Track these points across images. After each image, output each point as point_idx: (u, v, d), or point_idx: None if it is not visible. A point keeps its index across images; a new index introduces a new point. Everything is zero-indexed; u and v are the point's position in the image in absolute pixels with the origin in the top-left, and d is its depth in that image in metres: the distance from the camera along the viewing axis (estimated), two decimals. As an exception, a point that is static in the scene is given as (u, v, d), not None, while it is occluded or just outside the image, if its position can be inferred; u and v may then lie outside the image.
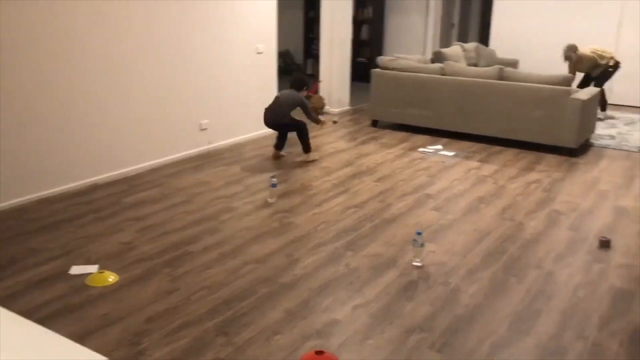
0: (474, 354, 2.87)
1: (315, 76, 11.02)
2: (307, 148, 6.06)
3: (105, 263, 3.74)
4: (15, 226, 4.25)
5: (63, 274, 3.59)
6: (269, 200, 4.85)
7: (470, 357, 2.84)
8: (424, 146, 6.68)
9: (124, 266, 3.70)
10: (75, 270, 3.65)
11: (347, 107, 8.69)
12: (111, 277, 3.55)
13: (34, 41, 4.50)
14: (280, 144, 6.18)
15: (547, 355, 2.86)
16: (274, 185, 4.89)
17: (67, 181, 4.95)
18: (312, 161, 6.03)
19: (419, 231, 3.81)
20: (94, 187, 5.09)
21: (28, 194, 4.67)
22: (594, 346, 2.94)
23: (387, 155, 6.32)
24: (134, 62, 5.32)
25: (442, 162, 6.09)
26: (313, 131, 7.38)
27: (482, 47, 8.92)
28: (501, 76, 6.64)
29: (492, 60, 8.89)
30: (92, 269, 3.66)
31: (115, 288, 3.44)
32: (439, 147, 6.65)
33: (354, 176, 5.58)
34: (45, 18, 4.54)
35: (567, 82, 6.31)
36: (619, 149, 6.71)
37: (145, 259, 3.79)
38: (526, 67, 9.66)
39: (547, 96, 6.31)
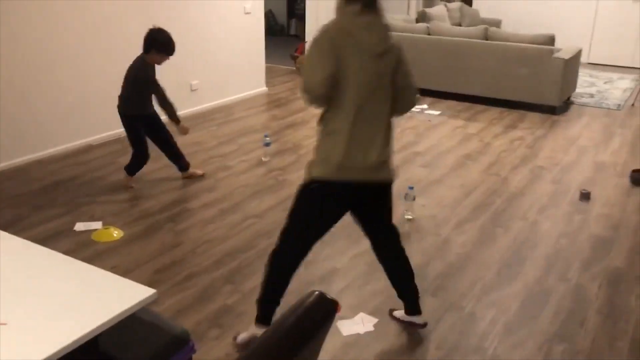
0: (465, 296, 3.08)
1: (299, 37, 11.04)
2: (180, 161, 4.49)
3: (108, 220, 3.86)
4: (17, 186, 4.33)
5: (68, 231, 3.71)
6: (263, 159, 4.98)
7: (462, 299, 3.06)
8: (410, 105, 6.81)
9: (127, 222, 3.83)
10: (80, 226, 3.77)
11: (333, 68, 8.75)
12: (116, 233, 3.68)
13: (29, 4, 4.50)
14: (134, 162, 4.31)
15: (533, 296, 3.09)
16: (267, 144, 5.01)
17: (63, 142, 5.02)
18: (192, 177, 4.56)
19: (411, 186, 3.98)
20: (89, 148, 5.16)
21: (26, 154, 4.74)
22: (576, 287, 3.18)
23: (374, 114, 6.45)
24: (124, 22, 5.33)
25: (429, 120, 6.25)
26: (298, 92, 7.46)
27: (465, 7, 9.00)
28: (486, 36, 6.76)
29: (476, 20, 8.99)
30: (97, 225, 3.78)
31: (120, 243, 3.58)
32: (425, 106, 6.80)
33: (343, 135, 5.70)
34: (36, -22, 4.53)
35: (550, 41, 6.46)
36: (598, 107, 6.93)
37: (147, 216, 3.92)
38: (509, 27, 9.79)
39: (530, 55, 6.46)
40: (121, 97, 4.14)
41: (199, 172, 4.58)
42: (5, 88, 4.49)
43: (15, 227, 3.73)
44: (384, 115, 2.40)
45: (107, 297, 1.45)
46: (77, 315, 1.39)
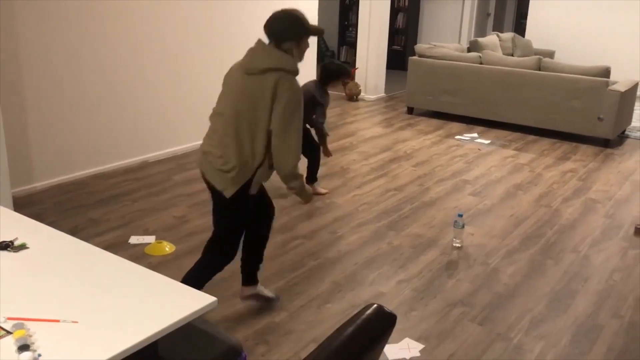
0: (513, 327, 3.04)
1: (349, 63, 11.18)
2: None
3: (161, 234, 3.97)
4: (76, 198, 4.52)
5: (123, 243, 3.84)
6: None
7: (509, 330, 3.01)
8: (459, 133, 6.80)
9: (180, 238, 3.94)
10: (134, 240, 3.89)
11: (382, 94, 8.83)
12: (168, 247, 3.79)
13: (88, 29, 4.74)
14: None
15: (584, 331, 3.02)
16: (316, 167, 5.07)
17: (120, 158, 5.21)
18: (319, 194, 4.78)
19: (460, 213, 3.97)
20: (145, 165, 5.34)
21: (84, 169, 4.94)
22: (630, 325, 3.09)
23: (423, 141, 6.46)
24: (183, 48, 5.54)
25: (479, 149, 6.21)
26: (347, 117, 7.55)
27: (518, 37, 8.96)
28: (539, 66, 6.71)
29: (528, 50, 8.93)
30: (150, 239, 3.90)
31: (173, 257, 3.68)
32: (475, 135, 6.77)
33: (391, 161, 5.74)
34: (99, 3, 4.78)
35: (606, 73, 6.36)
36: (655, 142, 6.75)
37: (199, 232, 4.02)
38: (562, 58, 9.67)
39: (585, 87, 6.37)
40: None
41: (323, 191, 4.83)
42: (70, 107, 4.72)
43: (73, 237, 3.88)
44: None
45: (170, 302, 1.52)
46: (140, 319, 1.46)
